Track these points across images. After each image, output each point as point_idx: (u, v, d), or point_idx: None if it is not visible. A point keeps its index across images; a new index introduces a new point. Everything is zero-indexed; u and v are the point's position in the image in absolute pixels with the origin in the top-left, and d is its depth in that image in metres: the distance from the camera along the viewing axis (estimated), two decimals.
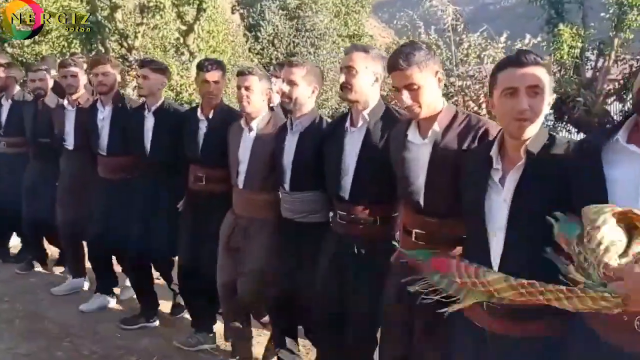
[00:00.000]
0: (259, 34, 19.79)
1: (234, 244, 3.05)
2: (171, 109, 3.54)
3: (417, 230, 2.06)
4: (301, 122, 2.72)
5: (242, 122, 3.04)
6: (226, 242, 3.10)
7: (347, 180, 2.39)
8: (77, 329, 3.78)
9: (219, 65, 3.24)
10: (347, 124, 2.44)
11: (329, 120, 2.76)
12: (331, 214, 2.61)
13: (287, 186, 2.75)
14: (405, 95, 1.97)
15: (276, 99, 3.35)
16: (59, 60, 5.19)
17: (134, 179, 3.69)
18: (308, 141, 2.68)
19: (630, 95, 11.28)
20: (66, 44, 12.75)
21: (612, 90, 10.72)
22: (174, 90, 10.57)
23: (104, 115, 3.75)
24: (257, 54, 18.97)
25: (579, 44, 9.77)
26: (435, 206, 2.01)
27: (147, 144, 3.48)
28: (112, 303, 4.12)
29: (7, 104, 4.71)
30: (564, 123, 11.17)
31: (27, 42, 12.43)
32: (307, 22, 20.53)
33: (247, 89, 2.92)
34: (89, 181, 3.98)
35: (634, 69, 9.97)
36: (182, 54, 11.24)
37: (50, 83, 4.46)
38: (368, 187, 2.36)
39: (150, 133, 3.47)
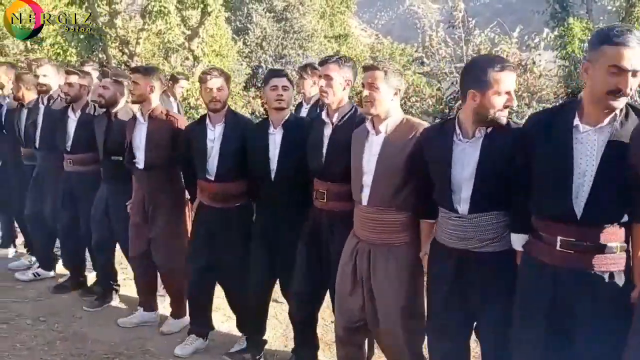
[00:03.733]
0: (247, 37, 19.62)
1: (359, 275, 2.65)
2: (298, 120, 3.25)
3: None
4: (487, 129, 2.25)
5: (368, 124, 2.61)
6: (343, 271, 2.71)
7: (583, 197, 1.91)
8: (125, 347, 3.63)
9: (336, 60, 2.87)
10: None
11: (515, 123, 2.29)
12: (517, 238, 2.17)
13: (463, 207, 2.25)
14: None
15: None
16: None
17: (246, 206, 3.44)
18: (495, 152, 2.20)
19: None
20: (61, 52, 12.42)
21: None
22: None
23: (215, 135, 3.36)
24: (245, 57, 18.78)
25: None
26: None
27: (273, 164, 3.13)
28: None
29: (74, 117, 4.29)
30: None
31: (20, 49, 12.11)
32: (295, 24, 20.50)
33: (370, 86, 2.50)
34: (160, 206, 3.72)
35: None
36: (187, 58, 10.98)
37: (108, 93, 3.98)
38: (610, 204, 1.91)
39: (278, 150, 3.12)
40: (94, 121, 4.14)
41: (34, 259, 5.07)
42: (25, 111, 4.74)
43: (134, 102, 3.76)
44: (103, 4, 10.45)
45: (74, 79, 4.19)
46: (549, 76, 9.85)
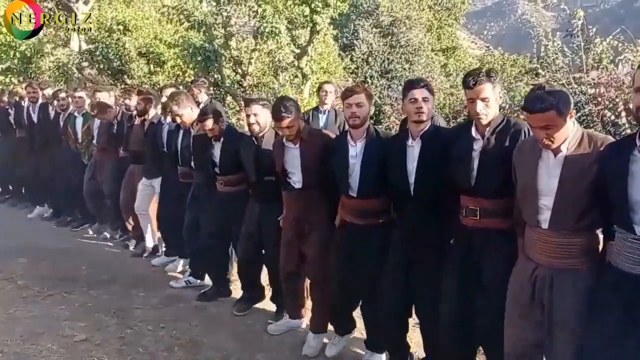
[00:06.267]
0: (353, 53, 19.82)
1: (537, 299, 2.46)
2: (437, 130, 3.04)
3: None
4: None
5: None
6: (518, 297, 2.52)
7: None
8: (237, 356, 3.73)
9: (488, 78, 2.66)
10: None
11: None
12: None
13: None
14: None
15: None
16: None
17: (390, 224, 3.33)
18: None
19: None
20: (181, 73, 13.28)
21: None
22: None
23: (356, 151, 3.30)
24: (351, 72, 18.96)
25: None
26: None
27: (412, 177, 3.01)
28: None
29: (218, 142, 4.57)
30: None
31: (144, 72, 13.08)
32: (401, 38, 20.40)
33: (548, 128, 2.26)
34: (316, 224, 3.78)
35: None
36: (295, 76, 11.31)
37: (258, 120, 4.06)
38: None
39: (415, 163, 2.99)
40: (238, 146, 4.36)
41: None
42: (181, 132, 5.13)
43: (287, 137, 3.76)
44: (219, 27, 11.04)
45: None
46: None
